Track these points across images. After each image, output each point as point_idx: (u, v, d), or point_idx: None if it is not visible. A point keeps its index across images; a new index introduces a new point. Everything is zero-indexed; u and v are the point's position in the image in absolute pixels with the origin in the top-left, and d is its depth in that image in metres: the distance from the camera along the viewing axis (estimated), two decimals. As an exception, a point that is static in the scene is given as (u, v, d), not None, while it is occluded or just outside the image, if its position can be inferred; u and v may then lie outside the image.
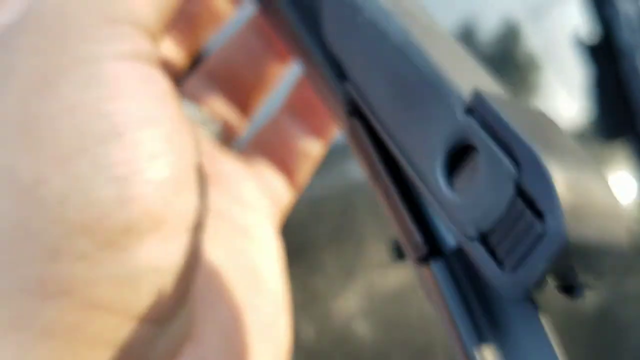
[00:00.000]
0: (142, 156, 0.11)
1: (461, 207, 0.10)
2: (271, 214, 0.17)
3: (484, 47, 0.39)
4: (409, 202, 0.12)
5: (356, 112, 0.13)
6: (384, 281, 0.30)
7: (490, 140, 0.10)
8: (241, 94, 0.18)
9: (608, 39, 0.45)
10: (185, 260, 0.12)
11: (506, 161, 0.10)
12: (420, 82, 0.11)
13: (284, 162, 0.18)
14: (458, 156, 0.11)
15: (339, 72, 0.14)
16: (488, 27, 0.39)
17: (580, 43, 0.45)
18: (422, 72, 0.11)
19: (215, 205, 0.16)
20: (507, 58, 0.39)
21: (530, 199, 0.09)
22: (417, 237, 0.12)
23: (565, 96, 0.39)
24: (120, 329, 0.11)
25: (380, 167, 0.13)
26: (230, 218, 0.16)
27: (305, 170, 0.19)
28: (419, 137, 0.11)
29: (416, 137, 0.11)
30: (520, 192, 0.09)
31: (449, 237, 0.12)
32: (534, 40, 0.39)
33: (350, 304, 0.30)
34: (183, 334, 0.13)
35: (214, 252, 0.15)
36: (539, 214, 0.09)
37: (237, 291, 0.15)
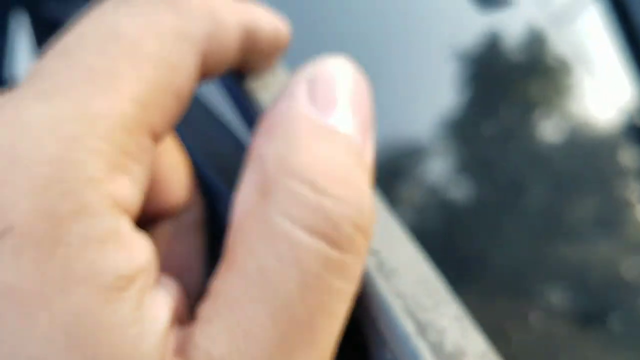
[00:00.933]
0: None
1: None
2: None
3: (513, 54, 0.38)
4: None
5: None
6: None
7: None
8: None
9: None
10: None
11: None
12: None
13: None
14: None
15: None
16: (513, 35, 0.38)
17: (632, 126, 0.42)
18: None
19: None
20: (537, 63, 0.38)
21: None
22: None
23: (600, 97, 0.37)
24: None
25: None
26: None
27: None
28: None
29: None
30: None
31: None
32: (561, 46, 0.38)
33: None
34: None
35: None
36: None
37: None
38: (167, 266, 0.16)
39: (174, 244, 0.16)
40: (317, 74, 0.14)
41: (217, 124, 0.20)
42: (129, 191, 0.12)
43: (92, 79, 0.12)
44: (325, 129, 0.13)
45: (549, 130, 0.37)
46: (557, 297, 0.32)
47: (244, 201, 0.13)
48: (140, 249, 0.12)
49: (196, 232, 0.16)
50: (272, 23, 0.16)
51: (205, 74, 0.15)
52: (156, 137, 0.13)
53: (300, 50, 0.32)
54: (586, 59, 0.38)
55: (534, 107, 0.36)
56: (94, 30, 0.13)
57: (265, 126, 0.13)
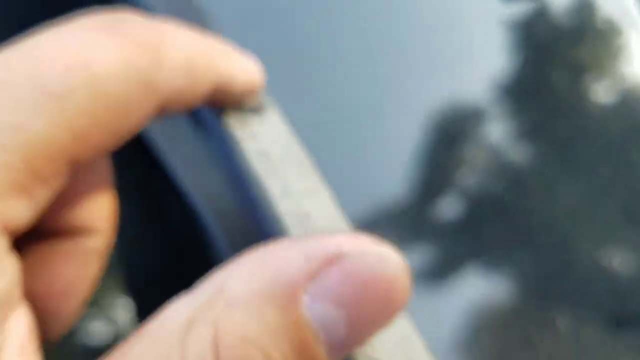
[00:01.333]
0: None
1: None
2: None
3: (561, 20, 0.38)
4: None
5: None
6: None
7: None
8: None
9: None
10: None
11: None
12: None
13: None
14: None
15: None
16: (559, 2, 0.38)
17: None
18: None
19: None
20: (587, 26, 0.38)
21: None
22: None
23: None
24: None
25: None
26: None
27: None
28: None
29: None
30: None
31: None
32: (608, 9, 0.38)
33: None
34: None
35: None
36: None
37: None
38: (46, 283, 0.15)
39: (65, 263, 0.16)
40: (344, 260, 0.12)
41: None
42: (21, 213, 0.12)
43: (34, 99, 0.12)
44: (293, 321, 0.11)
45: (602, 93, 0.37)
46: (586, 299, 0.30)
47: (180, 311, 0.12)
48: (6, 271, 0.12)
49: (93, 260, 0.16)
50: (244, 70, 0.16)
51: (165, 113, 0.15)
52: (77, 164, 0.13)
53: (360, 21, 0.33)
54: (634, 20, 0.38)
55: (585, 70, 0.36)
56: (62, 50, 0.13)
57: (258, 264, 0.12)
